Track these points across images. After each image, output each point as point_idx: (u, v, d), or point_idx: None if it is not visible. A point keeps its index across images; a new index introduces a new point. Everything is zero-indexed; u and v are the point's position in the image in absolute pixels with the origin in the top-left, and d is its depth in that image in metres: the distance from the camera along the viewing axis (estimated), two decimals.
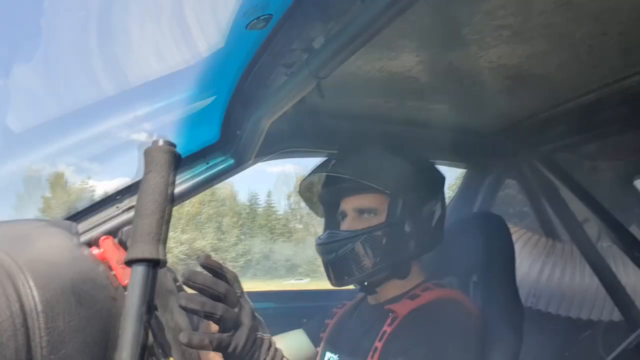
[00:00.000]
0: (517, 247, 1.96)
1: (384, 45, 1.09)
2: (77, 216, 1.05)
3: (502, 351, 1.08)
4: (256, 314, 0.79)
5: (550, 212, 1.76)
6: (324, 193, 1.27)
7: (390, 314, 1.10)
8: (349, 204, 1.19)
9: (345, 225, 1.18)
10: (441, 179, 1.25)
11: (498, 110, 1.36)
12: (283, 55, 1.05)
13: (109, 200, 1.08)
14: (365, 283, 1.19)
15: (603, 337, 1.97)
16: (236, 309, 0.74)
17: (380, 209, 1.14)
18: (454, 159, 1.72)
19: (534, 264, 1.94)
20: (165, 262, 0.54)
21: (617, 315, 1.81)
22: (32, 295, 0.45)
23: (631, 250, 1.34)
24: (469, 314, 1.09)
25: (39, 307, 0.45)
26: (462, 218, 1.49)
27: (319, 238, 1.21)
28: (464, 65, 1.16)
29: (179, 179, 1.25)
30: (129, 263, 0.52)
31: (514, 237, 2.06)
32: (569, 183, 1.47)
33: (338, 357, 1.19)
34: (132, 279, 0.51)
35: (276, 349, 0.80)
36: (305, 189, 1.33)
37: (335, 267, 1.15)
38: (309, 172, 1.26)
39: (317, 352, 1.30)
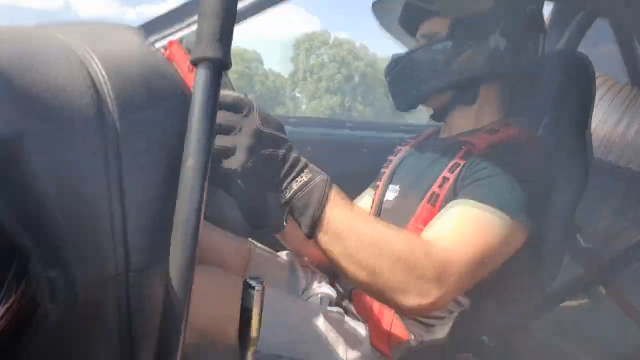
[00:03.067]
0: (598, 94, 1.79)
1: None
2: (144, 26, 1.06)
3: (561, 200, 1.04)
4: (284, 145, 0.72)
5: None
6: (399, 21, 1.21)
7: (464, 146, 1.02)
8: (419, 32, 1.13)
9: None
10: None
11: None
12: None
13: (174, 14, 1.07)
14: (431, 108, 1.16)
15: None
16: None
17: (445, 32, 1.05)
18: None
19: (612, 113, 1.79)
20: (229, 63, 0.52)
21: None
22: (105, 83, 0.46)
23: None
24: (543, 159, 1.01)
25: (112, 95, 0.46)
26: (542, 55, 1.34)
27: None
28: None
29: None
30: (194, 62, 0.51)
31: (597, 82, 1.88)
32: None
33: (399, 187, 1.16)
34: (197, 79, 0.50)
35: (326, 181, 0.72)
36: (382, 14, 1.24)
37: (392, 88, 1.14)
38: None
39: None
